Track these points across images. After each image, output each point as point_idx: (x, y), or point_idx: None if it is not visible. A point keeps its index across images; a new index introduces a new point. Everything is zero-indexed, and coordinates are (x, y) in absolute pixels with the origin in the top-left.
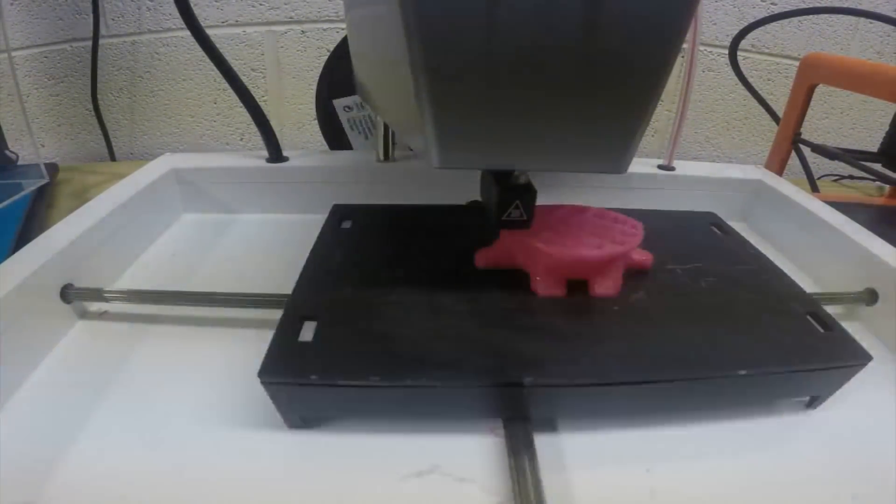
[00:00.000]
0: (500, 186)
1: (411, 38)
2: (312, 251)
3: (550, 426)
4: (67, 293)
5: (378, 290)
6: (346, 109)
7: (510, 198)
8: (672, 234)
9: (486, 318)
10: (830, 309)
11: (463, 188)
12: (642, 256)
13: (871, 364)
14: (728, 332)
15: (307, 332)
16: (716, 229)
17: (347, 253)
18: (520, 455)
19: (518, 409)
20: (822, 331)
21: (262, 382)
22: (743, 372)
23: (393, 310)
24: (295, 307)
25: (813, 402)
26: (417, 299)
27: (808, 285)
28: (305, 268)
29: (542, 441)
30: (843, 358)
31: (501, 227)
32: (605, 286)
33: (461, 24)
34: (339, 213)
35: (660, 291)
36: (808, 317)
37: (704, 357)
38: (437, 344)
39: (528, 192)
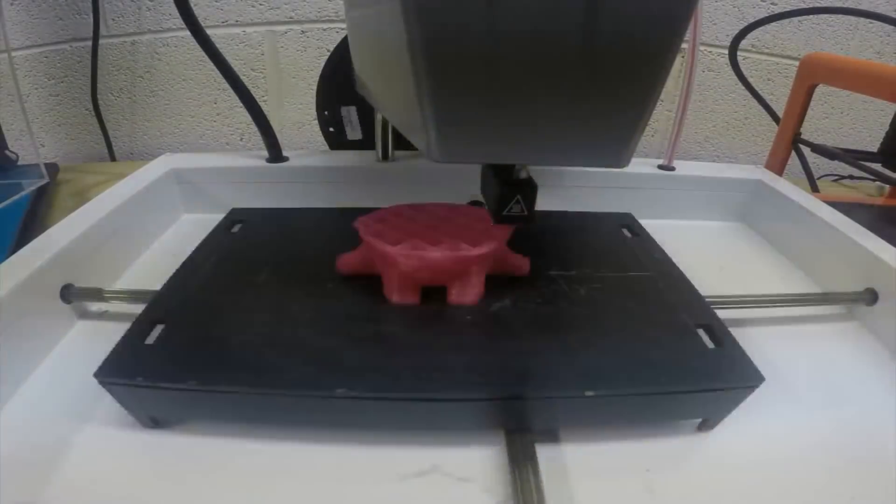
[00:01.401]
0: (500, 182)
1: (412, 32)
2: (190, 255)
3: (552, 437)
4: (67, 293)
5: (233, 296)
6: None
7: (511, 193)
8: (573, 236)
9: (325, 325)
10: (831, 309)
11: (463, 187)
12: (519, 262)
13: (764, 385)
14: (593, 347)
15: (155, 335)
16: (626, 231)
17: (222, 258)
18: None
19: (330, 418)
20: (710, 346)
21: (99, 382)
22: (589, 393)
23: (239, 315)
24: (149, 310)
25: (705, 424)
26: (267, 305)
27: (808, 285)
28: (176, 272)
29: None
30: (729, 379)
31: (502, 223)
32: (463, 294)
33: (461, 18)
34: (233, 217)
35: (528, 300)
36: (700, 330)
37: (549, 374)
38: (265, 350)
39: (529, 187)
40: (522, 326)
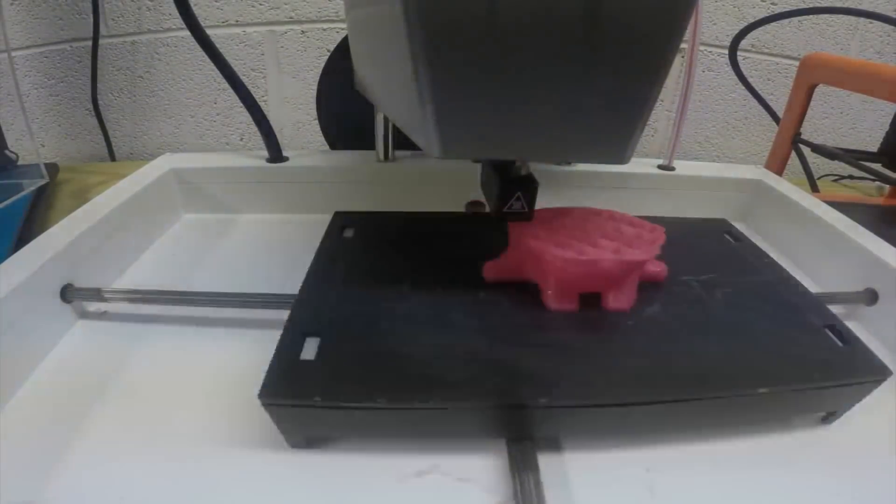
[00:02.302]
0: (501, 178)
1: (411, 25)
2: (314, 262)
3: (553, 443)
4: (67, 293)
5: (382, 305)
6: None
7: (511, 189)
8: (684, 242)
9: (495, 334)
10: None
11: (463, 187)
12: (657, 268)
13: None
14: (745, 348)
15: (309, 349)
16: (729, 237)
17: (349, 264)
18: (524, 473)
19: (526, 429)
20: (840, 344)
21: (263, 404)
22: (763, 390)
23: (398, 326)
24: (296, 323)
25: (829, 418)
26: (424, 315)
27: (808, 285)
28: (306, 280)
29: (544, 457)
30: (862, 373)
31: (502, 220)
32: (620, 300)
33: (461, 10)
34: (341, 222)
35: (674, 304)
36: (826, 330)
37: (721, 375)
38: (444, 363)
39: (530, 183)
40: (679, 329)
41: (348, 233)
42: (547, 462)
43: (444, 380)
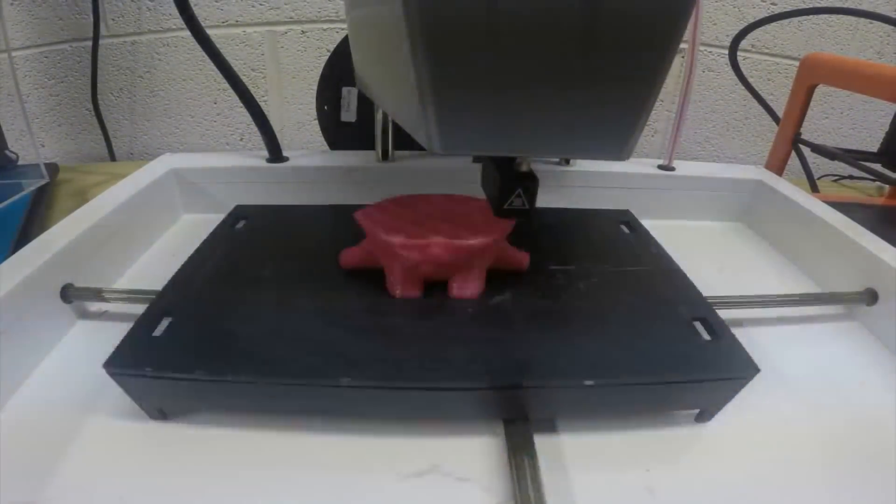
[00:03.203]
0: (501, 175)
1: (412, 21)
2: (196, 250)
3: (554, 444)
4: (67, 293)
5: (239, 290)
6: None
7: (512, 186)
8: (572, 232)
9: (330, 318)
10: (831, 309)
11: (462, 188)
12: (518, 256)
13: (761, 375)
14: (589, 339)
15: (163, 328)
16: (624, 228)
17: (227, 253)
18: (524, 474)
19: (334, 407)
20: (707, 338)
21: (108, 373)
22: (589, 383)
23: (245, 308)
24: (157, 303)
25: (702, 416)
26: (272, 299)
27: (808, 285)
28: (182, 266)
29: (545, 459)
30: (724, 370)
31: (503, 216)
32: (465, 287)
33: (462, 8)
34: (238, 214)
35: (528, 294)
36: (696, 322)
37: (549, 364)
38: (272, 342)
39: (531, 180)
40: (522, 319)
41: (240, 224)
42: (547, 461)
43: (262, 356)
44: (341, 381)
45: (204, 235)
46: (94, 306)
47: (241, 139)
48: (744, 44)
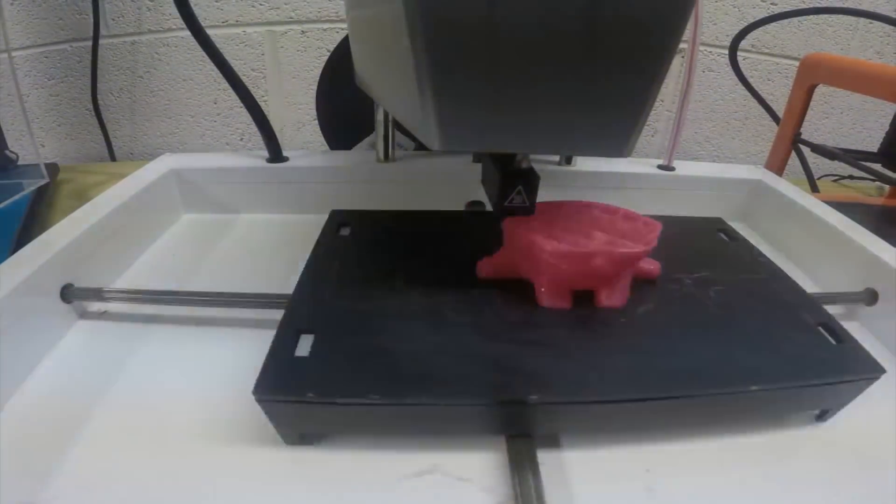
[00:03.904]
0: (502, 171)
1: (413, 22)
2: (309, 260)
3: (553, 441)
4: (67, 293)
5: (377, 302)
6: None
7: (512, 183)
8: (678, 240)
9: (488, 331)
10: (831, 309)
11: (463, 188)
12: (650, 265)
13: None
14: (738, 346)
15: (304, 346)
16: (723, 235)
17: (345, 262)
18: (523, 470)
19: (522, 425)
20: (833, 343)
21: (257, 399)
22: (755, 388)
23: (392, 323)
24: (291, 320)
25: (823, 415)
26: (417, 312)
27: (808, 285)
28: (302, 278)
29: (544, 456)
30: (856, 371)
31: (503, 214)
32: (613, 297)
33: (462, 5)
34: (338, 219)
35: (667, 302)
36: (820, 328)
37: (713, 372)
38: (438, 359)
39: (531, 176)
40: (671, 327)
41: (344, 231)
42: (547, 462)
43: (436, 376)
44: (530, 399)
45: (205, 235)
46: (94, 306)
47: (241, 139)
48: (744, 44)
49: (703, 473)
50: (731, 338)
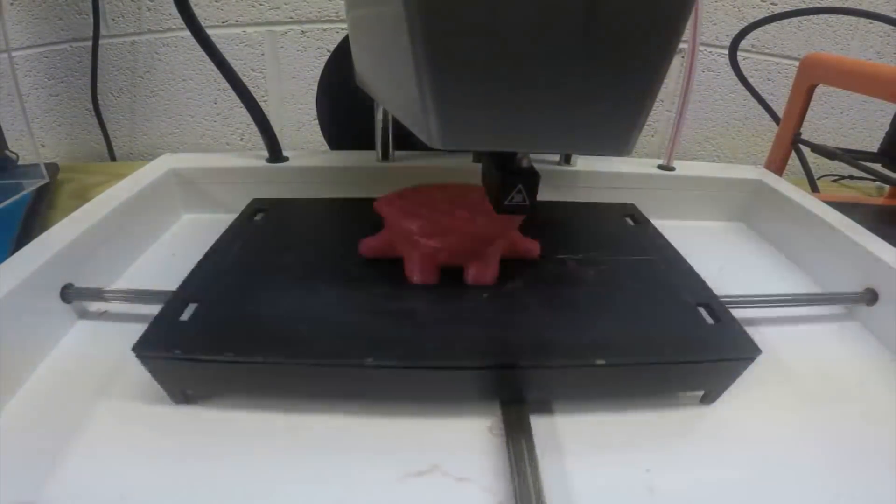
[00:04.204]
0: (502, 171)
1: (413, 20)
2: (216, 241)
3: (553, 445)
4: (67, 293)
5: (262, 278)
6: None
7: (512, 182)
8: (579, 224)
9: (351, 303)
10: (831, 309)
11: None
12: (528, 244)
13: (761, 358)
14: (604, 323)
15: (189, 313)
16: (629, 220)
17: (246, 244)
18: (524, 474)
19: (358, 387)
20: (710, 322)
21: (137, 356)
22: (600, 362)
23: (269, 294)
24: (182, 290)
25: (707, 398)
26: (295, 286)
27: (808, 285)
28: (204, 256)
29: (544, 460)
30: (728, 351)
31: (504, 213)
32: (480, 274)
33: (463, 3)
34: (255, 206)
35: (540, 281)
36: (699, 308)
37: (563, 345)
38: (296, 324)
39: (531, 175)
40: (535, 304)
41: (258, 216)
42: (547, 462)
43: (290, 338)
44: (366, 361)
45: (205, 235)
46: (94, 306)
47: (241, 139)
48: (744, 44)
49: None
50: (598, 315)
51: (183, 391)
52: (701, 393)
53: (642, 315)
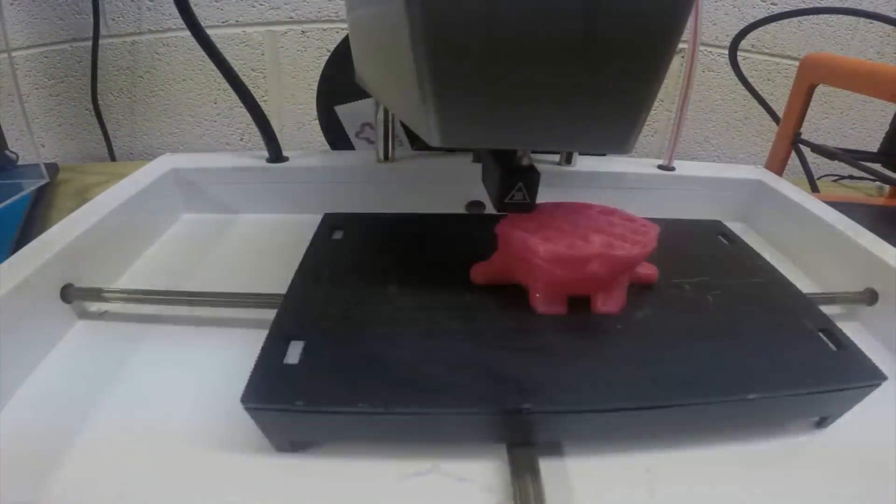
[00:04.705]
0: (502, 169)
1: (413, 17)
2: (301, 265)
3: (554, 449)
4: (67, 293)
5: (368, 308)
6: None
7: (513, 180)
8: (676, 244)
9: (482, 338)
10: (830, 309)
11: (463, 188)
12: (647, 270)
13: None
14: (737, 352)
15: (293, 353)
16: (723, 239)
17: (336, 267)
18: (524, 479)
19: (515, 434)
20: (834, 349)
21: (246, 408)
22: (753, 396)
23: (383, 329)
24: (280, 326)
25: (823, 422)
26: (410, 318)
27: (808, 285)
28: (292, 283)
29: (545, 463)
30: (856, 378)
31: (504, 211)
32: (609, 303)
33: (463, 1)
34: (330, 223)
35: (665, 308)
36: (821, 333)
37: (712, 380)
38: (430, 367)
39: (531, 173)
40: (670, 333)
41: (337, 234)
42: (547, 462)
43: (427, 384)
44: (524, 408)
45: (205, 235)
46: (94, 306)
47: (241, 139)
48: (744, 44)
49: (703, 480)
50: (730, 344)
51: (291, 441)
52: (818, 418)
53: (772, 342)
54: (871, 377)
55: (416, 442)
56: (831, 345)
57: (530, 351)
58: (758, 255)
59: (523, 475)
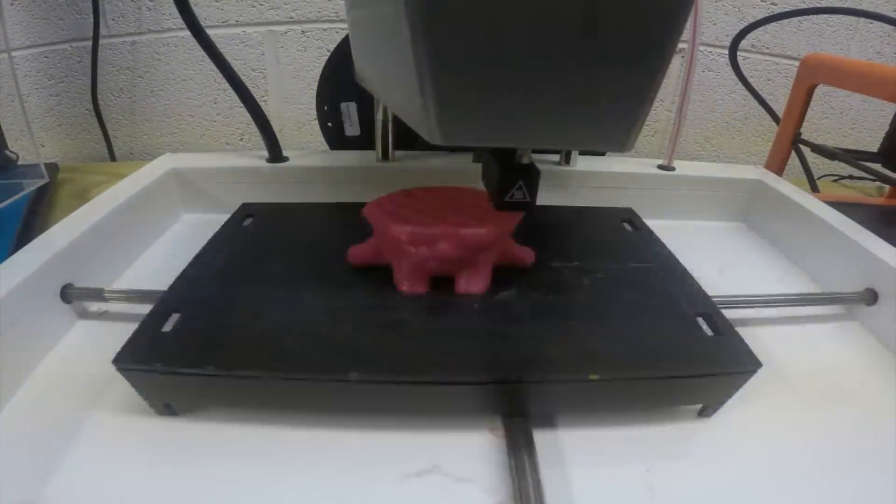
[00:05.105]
0: (502, 167)
1: (413, 15)
2: (203, 248)
3: (553, 446)
4: (67, 293)
5: (247, 287)
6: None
7: (513, 178)
8: (575, 230)
9: (338, 314)
10: (831, 309)
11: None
12: (522, 252)
13: (762, 374)
14: (595, 334)
15: (171, 324)
16: (627, 226)
17: (233, 250)
18: (524, 474)
19: (341, 403)
20: (710, 334)
21: (117, 368)
22: (594, 377)
23: (254, 304)
24: (164, 300)
25: (704, 411)
26: (280, 296)
27: (808, 285)
28: (189, 263)
29: (544, 460)
30: (728, 364)
31: (504, 209)
32: (472, 283)
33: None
34: (244, 212)
35: (533, 290)
36: (699, 319)
37: (551, 360)
38: (281, 338)
39: (532, 172)
40: (528, 314)
41: (247, 222)
42: (547, 462)
43: (275, 353)
44: (350, 376)
45: (204, 235)
46: (94, 306)
47: (241, 139)
48: (744, 44)
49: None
50: (588, 326)
51: (166, 404)
52: (699, 406)
53: (638, 326)
54: (744, 364)
55: (262, 405)
56: (708, 330)
57: (379, 326)
58: (657, 242)
59: (523, 472)
